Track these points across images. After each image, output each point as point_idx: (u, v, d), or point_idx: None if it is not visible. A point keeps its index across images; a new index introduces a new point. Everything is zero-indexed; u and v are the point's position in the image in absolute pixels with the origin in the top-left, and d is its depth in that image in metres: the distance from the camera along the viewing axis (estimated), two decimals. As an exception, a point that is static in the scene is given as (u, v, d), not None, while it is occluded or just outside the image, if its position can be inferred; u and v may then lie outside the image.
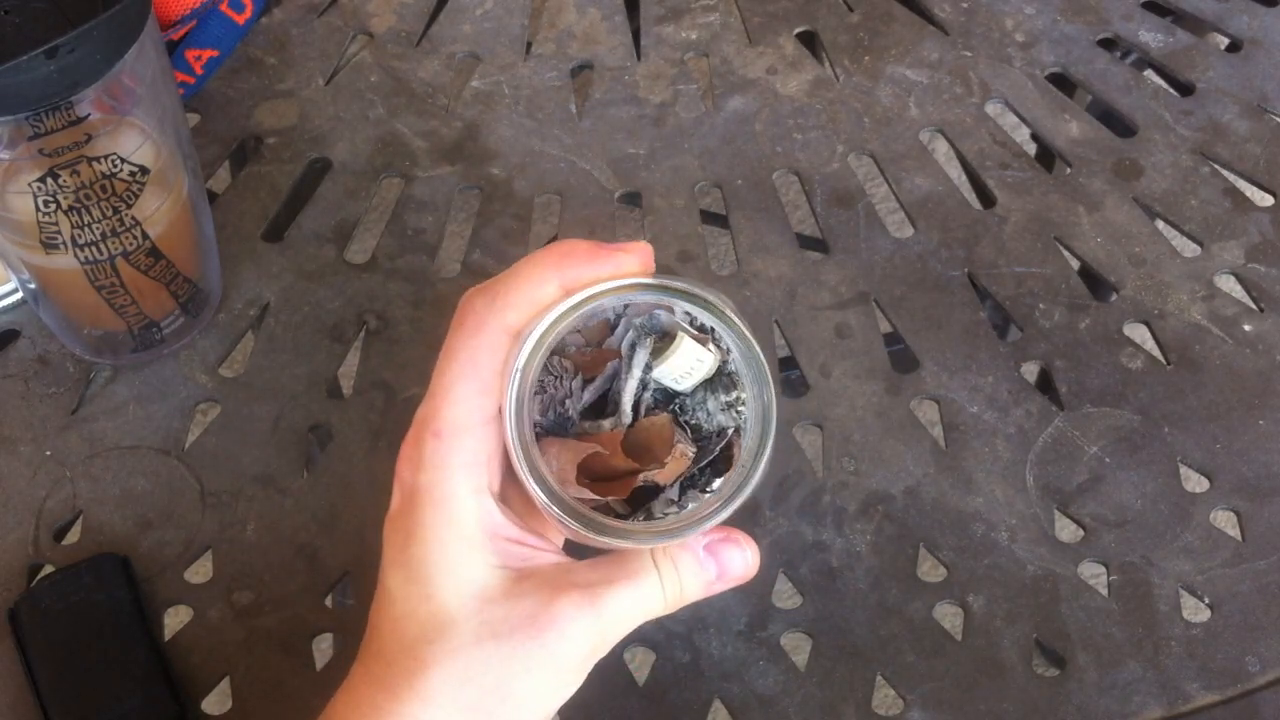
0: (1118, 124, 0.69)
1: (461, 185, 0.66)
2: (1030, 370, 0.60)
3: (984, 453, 0.57)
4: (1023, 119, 0.69)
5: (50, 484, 0.56)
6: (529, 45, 0.72)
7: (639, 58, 0.72)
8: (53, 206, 0.50)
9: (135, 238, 0.53)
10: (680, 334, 0.40)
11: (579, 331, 0.41)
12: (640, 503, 0.40)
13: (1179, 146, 0.67)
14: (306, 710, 0.50)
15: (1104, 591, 0.54)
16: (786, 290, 0.62)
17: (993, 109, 0.69)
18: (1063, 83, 0.70)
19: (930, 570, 0.55)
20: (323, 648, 0.52)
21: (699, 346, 0.39)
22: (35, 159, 0.48)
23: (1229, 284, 0.63)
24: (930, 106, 0.69)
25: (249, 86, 0.70)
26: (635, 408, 0.40)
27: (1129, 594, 0.54)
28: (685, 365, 0.40)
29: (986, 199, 0.66)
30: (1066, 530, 0.55)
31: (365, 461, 0.57)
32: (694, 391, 0.41)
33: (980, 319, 0.61)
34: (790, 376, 0.61)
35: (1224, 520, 0.56)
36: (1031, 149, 0.68)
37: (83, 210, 0.50)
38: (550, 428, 0.41)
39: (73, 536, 0.55)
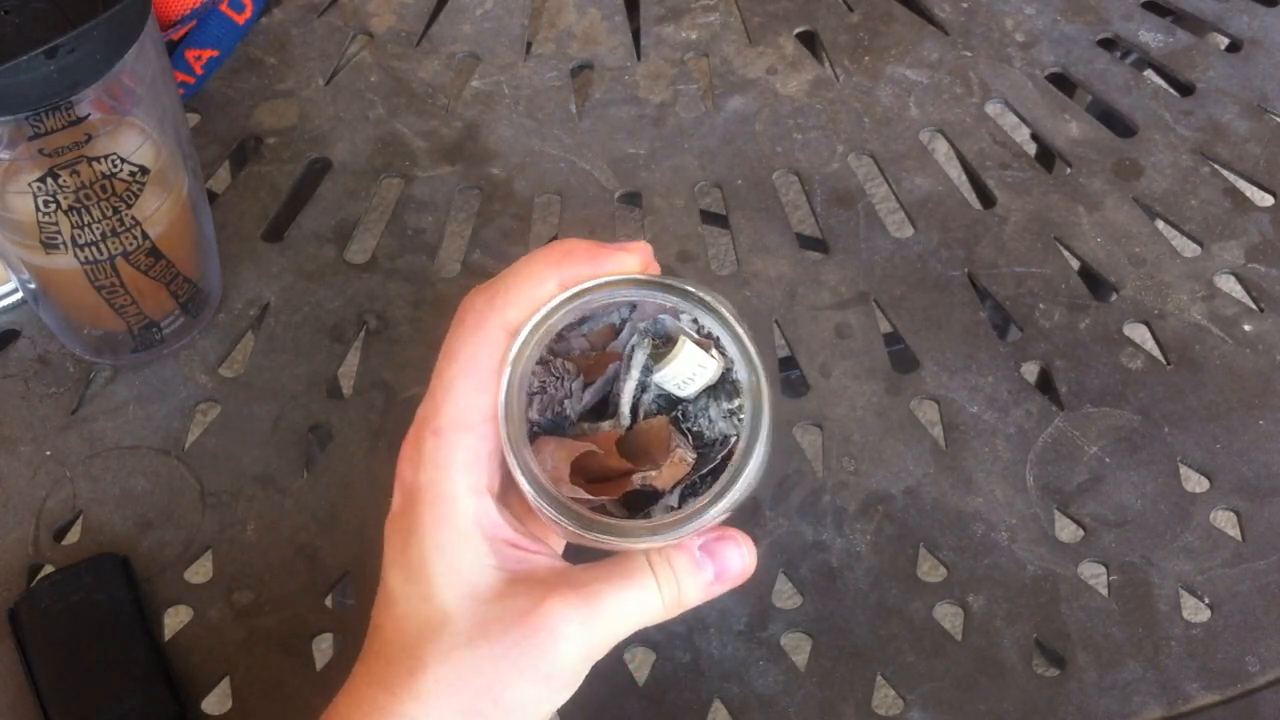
0: (1118, 124, 0.69)
1: (461, 185, 0.66)
2: (1030, 370, 0.60)
3: (984, 453, 0.57)
4: (1023, 119, 0.69)
5: (50, 484, 0.56)
6: (529, 45, 0.72)
7: (639, 58, 0.72)
8: (53, 206, 0.50)
9: (135, 238, 0.53)
10: (682, 339, 0.39)
11: (585, 336, 0.41)
12: (639, 508, 0.40)
13: (1179, 146, 0.67)
14: (306, 710, 0.50)
15: (1104, 591, 0.54)
16: (786, 290, 0.62)
17: (993, 109, 0.69)
18: (1063, 83, 0.70)
19: (930, 570, 0.55)
20: (323, 648, 0.52)
21: (701, 352, 0.39)
22: (35, 159, 0.48)
23: (1229, 284, 0.63)
24: (930, 106, 0.69)
25: (249, 86, 0.70)
26: (634, 410, 0.40)
27: (1129, 594, 0.54)
28: (687, 371, 0.39)
29: (986, 199, 0.66)
30: (1066, 530, 0.55)
31: (365, 461, 0.57)
32: (696, 398, 0.41)
33: (980, 319, 0.61)
34: (790, 376, 0.61)
35: (1224, 520, 0.56)
36: (1031, 149, 0.68)
37: (83, 210, 0.50)
38: (548, 428, 0.41)
39: (73, 536, 0.55)
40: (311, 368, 0.60)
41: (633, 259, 0.40)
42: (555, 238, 0.65)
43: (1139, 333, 0.61)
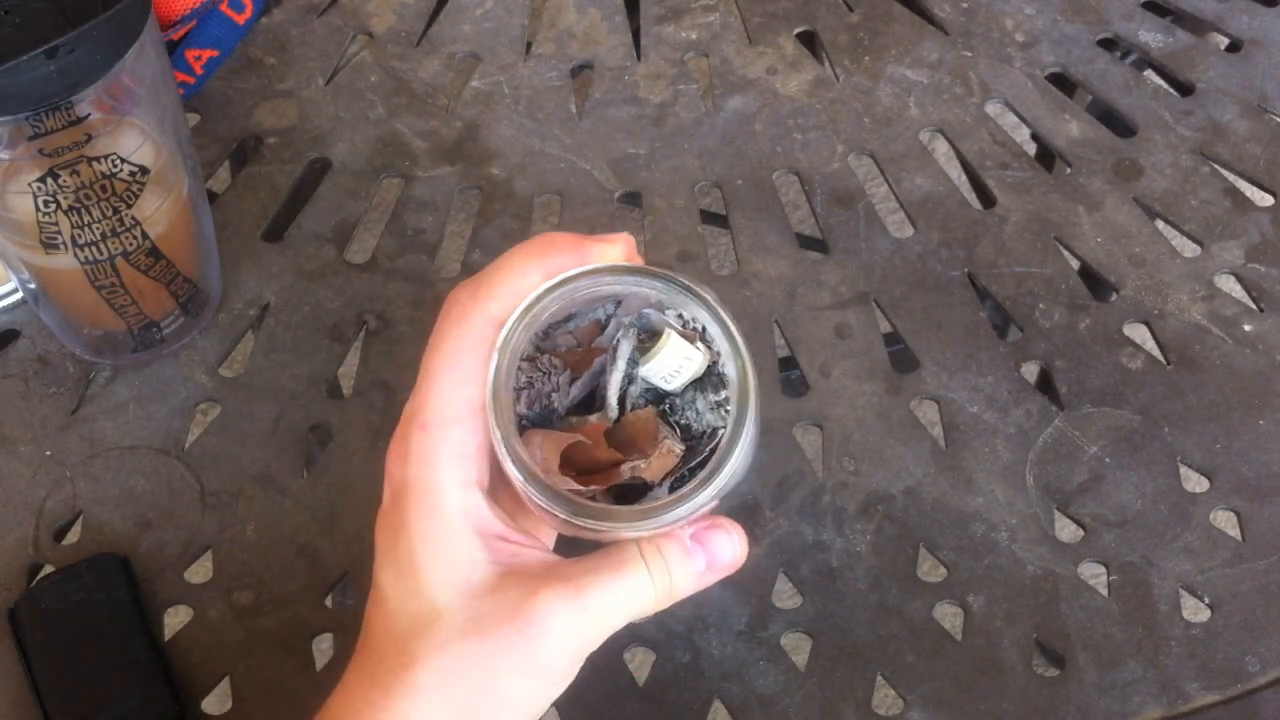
0: (1118, 124, 0.69)
1: (461, 185, 0.66)
2: (1030, 370, 0.60)
3: (984, 453, 0.57)
4: (1023, 119, 0.69)
5: (50, 484, 0.56)
6: (529, 45, 0.72)
7: (639, 58, 0.72)
8: (53, 206, 0.50)
9: (135, 238, 0.53)
10: (668, 331, 0.39)
11: (571, 333, 0.41)
12: (628, 501, 0.40)
13: (1179, 146, 0.67)
14: (306, 710, 0.50)
15: (1104, 591, 0.54)
16: (786, 290, 0.62)
17: (993, 109, 0.69)
18: (1063, 83, 0.70)
19: (930, 570, 0.55)
20: (323, 648, 0.52)
21: (687, 345, 0.39)
22: (35, 159, 0.48)
23: (1229, 284, 0.63)
24: (930, 106, 0.69)
25: (249, 86, 0.70)
26: (621, 402, 0.40)
27: (1129, 594, 0.54)
28: (673, 363, 0.39)
29: (986, 199, 0.66)
30: (1066, 530, 0.55)
31: (365, 461, 0.57)
32: (684, 391, 0.41)
33: (980, 319, 0.61)
34: (790, 376, 0.61)
35: (1224, 520, 0.56)
36: (1031, 149, 0.68)
37: (83, 210, 0.50)
38: (536, 421, 0.41)
39: (73, 536, 0.55)
40: (311, 368, 0.60)
41: (615, 249, 0.40)
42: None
43: (1139, 333, 0.61)
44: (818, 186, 0.66)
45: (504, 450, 0.38)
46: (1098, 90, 0.70)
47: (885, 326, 0.61)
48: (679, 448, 0.40)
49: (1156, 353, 0.60)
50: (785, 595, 0.54)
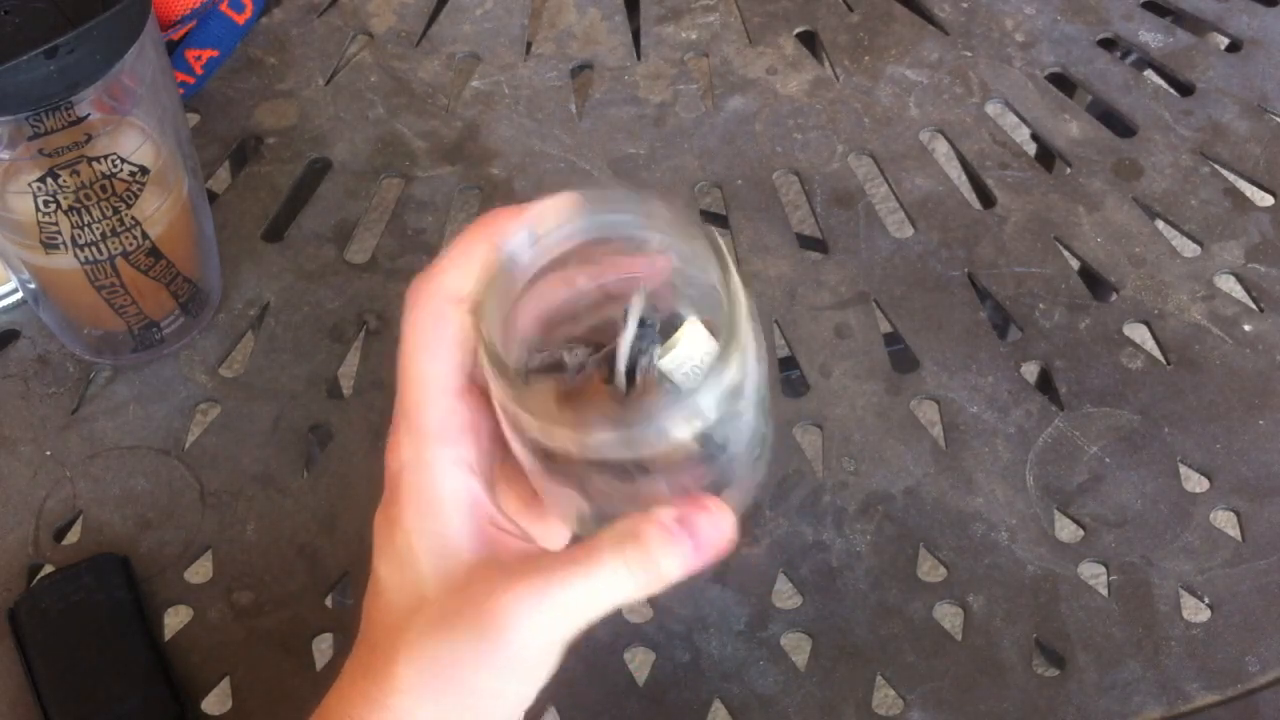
0: (1118, 124, 0.69)
1: (461, 185, 0.66)
2: (1030, 370, 0.60)
3: (984, 453, 0.57)
4: (1023, 119, 0.69)
5: (50, 484, 0.56)
6: (529, 45, 0.72)
7: (639, 58, 0.72)
8: (53, 206, 0.50)
9: (135, 238, 0.53)
10: (690, 320, 0.38)
11: (580, 347, 0.40)
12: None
13: (1179, 146, 0.67)
14: (306, 710, 0.50)
15: (1104, 591, 0.54)
16: (786, 290, 0.62)
17: (993, 109, 0.69)
18: (1063, 83, 0.70)
19: (930, 570, 0.55)
20: (323, 648, 0.52)
21: (707, 334, 0.38)
22: (35, 159, 0.48)
23: (1229, 284, 0.63)
24: (930, 106, 0.69)
25: (249, 86, 0.70)
26: (630, 374, 0.39)
27: (1129, 594, 0.54)
28: (695, 354, 0.38)
29: (986, 199, 0.66)
30: (1066, 530, 0.55)
31: (365, 461, 0.57)
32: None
33: (980, 319, 0.61)
34: (790, 376, 0.61)
35: (1224, 520, 0.56)
36: (1031, 149, 0.68)
37: (83, 210, 0.50)
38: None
39: (73, 536, 0.55)
40: (311, 368, 0.60)
41: (559, 201, 0.39)
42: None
43: (1139, 333, 0.61)
44: (818, 186, 0.66)
45: (484, 350, 0.37)
46: (1098, 90, 0.70)
47: (885, 326, 0.61)
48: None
49: (1156, 353, 0.60)
50: (785, 595, 0.54)
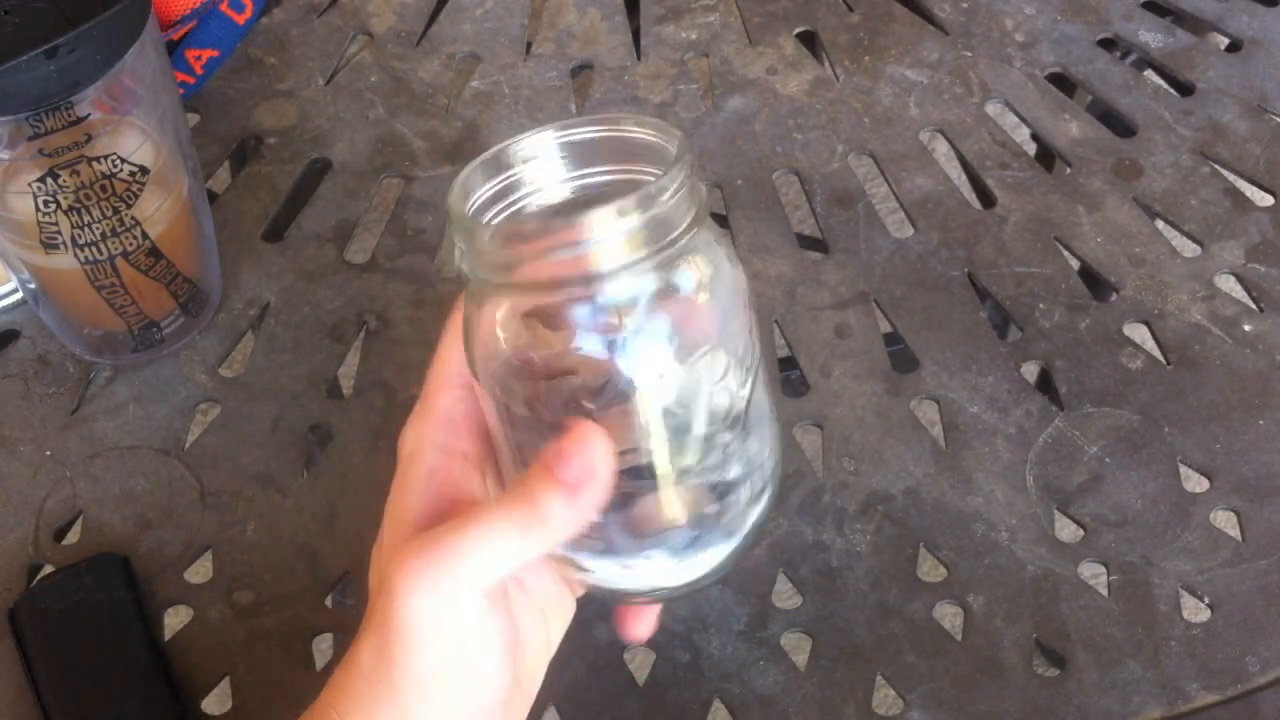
0: (1118, 124, 0.69)
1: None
2: (1030, 370, 0.60)
3: (984, 453, 0.57)
4: (1023, 119, 0.69)
5: (50, 484, 0.56)
6: (529, 45, 0.72)
7: (639, 58, 0.72)
8: (53, 206, 0.50)
9: (135, 238, 0.53)
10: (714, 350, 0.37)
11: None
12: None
13: (1179, 146, 0.67)
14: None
15: (1104, 591, 0.54)
16: (786, 290, 0.62)
17: (993, 109, 0.69)
18: (1063, 83, 0.70)
19: (930, 570, 0.55)
20: (323, 648, 0.52)
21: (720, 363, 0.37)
22: (35, 159, 0.48)
23: (1229, 284, 0.63)
24: (930, 106, 0.69)
25: (249, 86, 0.70)
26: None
27: (1129, 594, 0.54)
28: (690, 391, 0.37)
29: (986, 199, 0.66)
30: (1066, 530, 0.55)
31: (365, 461, 0.57)
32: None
33: (980, 319, 0.61)
34: (790, 376, 0.61)
35: (1224, 520, 0.56)
36: (1031, 149, 0.68)
37: (83, 210, 0.50)
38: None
39: (73, 536, 0.55)
40: (311, 368, 0.60)
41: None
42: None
43: (1139, 333, 0.61)
44: (818, 186, 0.66)
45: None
46: (1098, 90, 0.70)
47: (885, 326, 0.61)
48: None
49: (1156, 353, 0.60)
50: (785, 595, 0.54)
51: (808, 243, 0.64)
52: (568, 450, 0.35)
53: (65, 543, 0.55)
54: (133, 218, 0.52)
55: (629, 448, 0.37)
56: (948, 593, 0.54)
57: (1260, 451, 0.57)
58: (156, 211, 0.53)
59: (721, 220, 0.66)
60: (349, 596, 0.54)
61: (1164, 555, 0.55)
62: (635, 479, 0.38)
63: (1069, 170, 0.67)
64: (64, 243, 0.51)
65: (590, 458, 0.35)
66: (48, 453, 0.57)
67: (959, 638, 0.53)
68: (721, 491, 0.39)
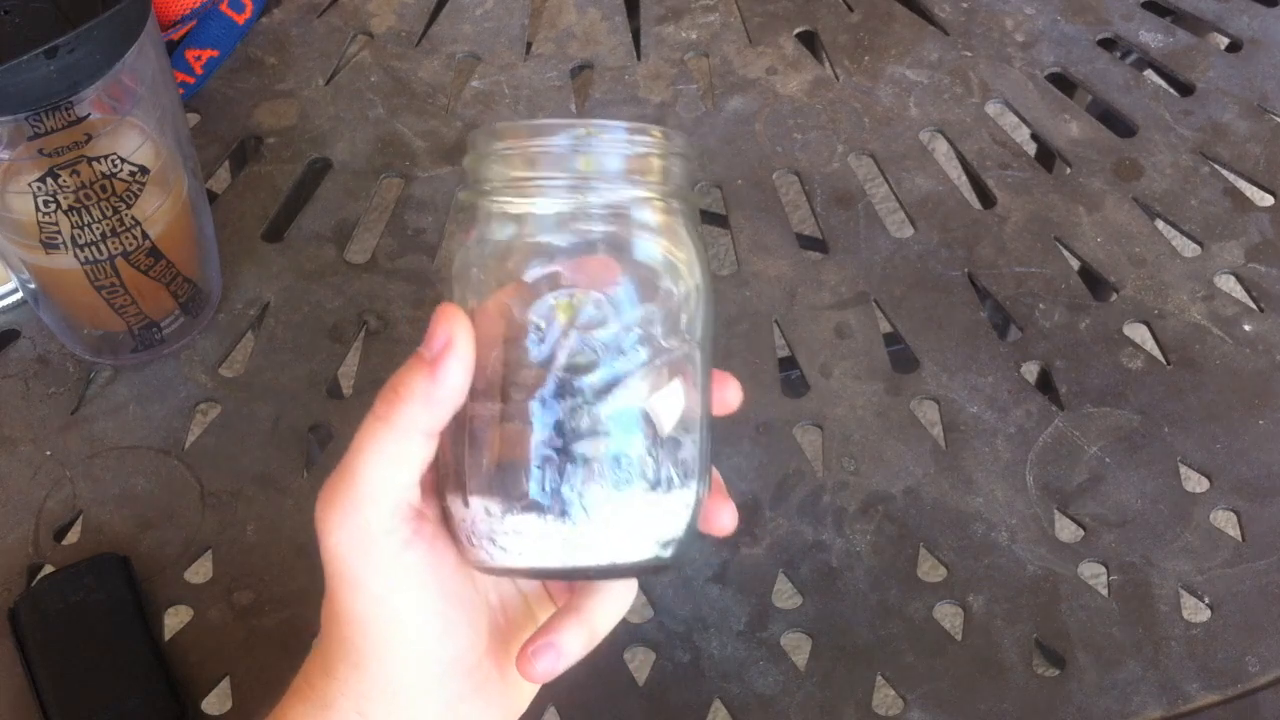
0: (1118, 124, 0.69)
1: (461, 185, 0.66)
2: (1030, 370, 0.60)
3: (984, 453, 0.57)
4: (1023, 119, 0.69)
5: (50, 484, 0.56)
6: (529, 45, 0.72)
7: (639, 58, 0.72)
8: (53, 206, 0.50)
9: (135, 238, 0.53)
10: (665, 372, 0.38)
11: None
12: None
13: (1179, 146, 0.67)
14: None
15: (1104, 591, 0.54)
16: (786, 290, 0.62)
17: (993, 109, 0.69)
18: (1063, 83, 0.70)
19: (930, 570, 0.55)
20: (323, 648, 0.52)
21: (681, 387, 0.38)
22: (35, 159, 0.48)
23: (1229, 284, 0.63)
24: (930, 106, 0.69)
25: (249, 86, 0.70)
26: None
27: (1129, 594, 0.54)
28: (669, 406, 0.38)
29: (986, 199, 0.66)
30: (1066, 530, 0.55)
31: (365, 461, 0.57)
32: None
33: (980, 319, 0.61)
34: (790, 376, 0.61)
35: (1224, 520, 0.56)
36: (1031, 149, 0.68)
37: (83, 210, 0.50)
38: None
39: (73, 536, 0.55)
40: (311, 368, 0.60)
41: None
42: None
43: (1139, 333, 0.61)
44: (818, 186, 0.66)
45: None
46: (1098, 90, 0.70)
47: (885, 326, 0.61)
48: None
49: (1156, 353, 0.60)
50: (785, 595, 0.54)
51: (808, 243, 0.64)
52: (429, 330, 0.36)
53: (65, 543, 0.55)
54: (133, 218, 0.52)
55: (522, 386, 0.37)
56: (948, 593, 0.54)
57: (1260, 451, 0.57)
58: (156, 211, 0.53)
59: (721, 220, 0.66)
60: (349, 596, 0.54)
61: (1164, 555, 0.55)
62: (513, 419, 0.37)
63: (1069, 170, 0.67)
64: (64, 243, 0.51)
65: (447, 332, 0.35)
66: (48, 453, 0.57)
67: (959, 638, 0.53)
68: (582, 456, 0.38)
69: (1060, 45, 0.72)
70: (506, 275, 0.38)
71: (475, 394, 0.37)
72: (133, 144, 0.51)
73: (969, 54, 0.71)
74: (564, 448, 0.37)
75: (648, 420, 0.38)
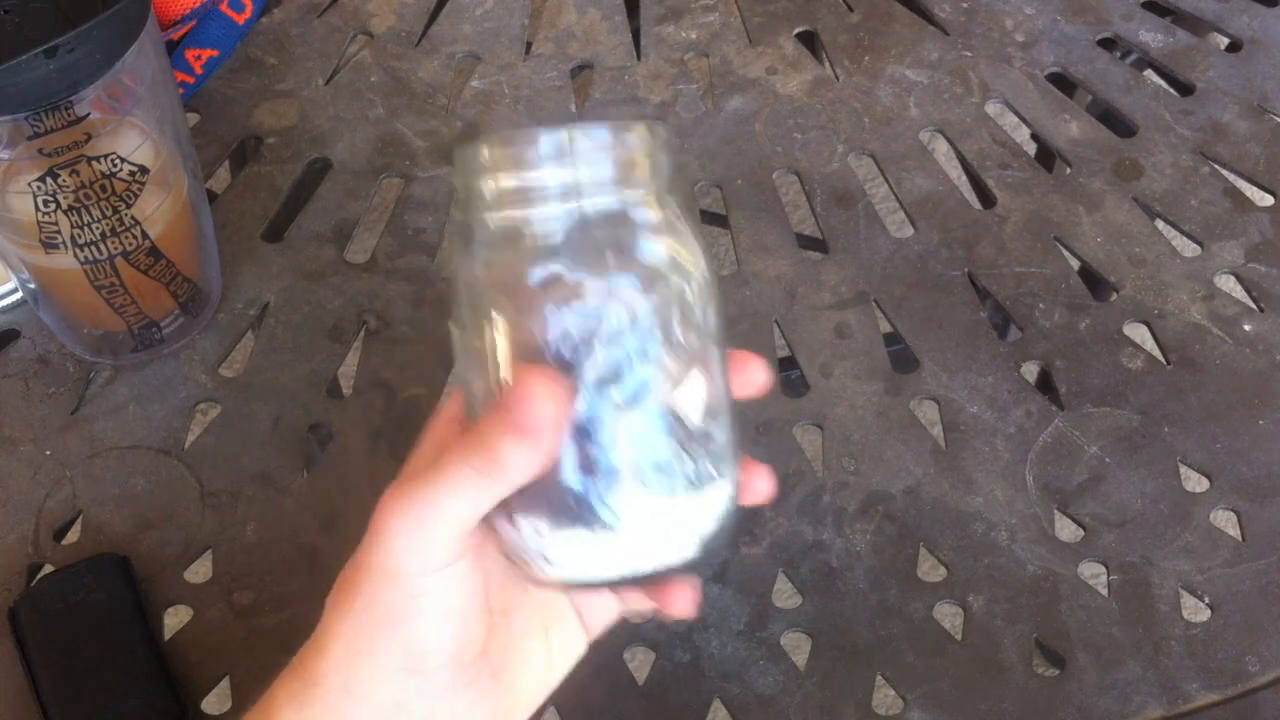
0: (1118, 124, 0.69)
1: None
2: (1030, 370, 0.60)
3: (984, 452, 0.57)
4: (1023, 119, 0.69)
5: (50, 484, 0.56)
6: (529, 45, 0.72)
7: (639, 58, 0.72)
8: (52, 206, 0.50)
9: (135, 237, 0.53)
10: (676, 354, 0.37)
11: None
12: None
13: (1179, 146, 0.67)
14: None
15: (1104, 591, 0.54)
16: (786, 290, 0.62)
17: (993, 109, 0.69)
18: (1062, 83, 0.70)
19: (930, 570, 0.55)
20: (322, 648, 0.52)
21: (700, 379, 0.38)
22: (35, 158, 0.48)
23: (1229, 284, 0.63)
24: (930, 106, 0.69)
25: (249, 86, 0.70)
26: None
27: (1129, 594, 0.54)
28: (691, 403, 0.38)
29: (986, 199, 0.66)
30: (1066, 530, 0.55)
31: (365, 461, 0.57)
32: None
33: (980, 319, 0.61)
34: (790, 376, 0.61)
35: (1224, 520, 0.56)
36: (1031, 149, 0.68)
37: (82, 210, 0.50)
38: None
39: (72, 536, 0.55)
40: (311, 367, 0.60)
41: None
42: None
43: (1139, 333, 0.61)
44: (818, 186, 0.66)
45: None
46: (1098, 90, 0.70)
47: (885, 326, 0.61)
48: None
49: (1156, 353, 0.60)
50: (785, 595, 0.54)
51: (808, 243, 0.64)
52: (519, 395, 0.36)
53: (65, 542, 0.55)
54: (132, 217, 0.52)
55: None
56: (947, 593, 0.54)
57: (1260, 451, 0.57)
58: (156, 211, 0.53)
59: (721, 220, 0.66)
60: (349, 596, 0.54)
61: (1164, 555, 0.55)
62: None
63: (1069, 170, 0.67)
64: (64, 242, 0.51)
65: (537, 405, 0.36)
66: (48, 452, 0.57)
67: (959, 638, 0.53)
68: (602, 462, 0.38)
69: (1060, 45, 0.72)
70: (513, 293, 0.38)
71: None
72: (132, 144, 0.51)
73: (969, 54, 0.71)
74: (600, 460, 0.37)
75: (678, 420, 0.38)
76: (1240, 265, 0.63)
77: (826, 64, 0.72)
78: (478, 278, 0.38)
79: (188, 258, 0.57)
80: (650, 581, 0.40)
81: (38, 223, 0.50)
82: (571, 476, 0.37)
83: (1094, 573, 0.54)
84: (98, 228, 0.51)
